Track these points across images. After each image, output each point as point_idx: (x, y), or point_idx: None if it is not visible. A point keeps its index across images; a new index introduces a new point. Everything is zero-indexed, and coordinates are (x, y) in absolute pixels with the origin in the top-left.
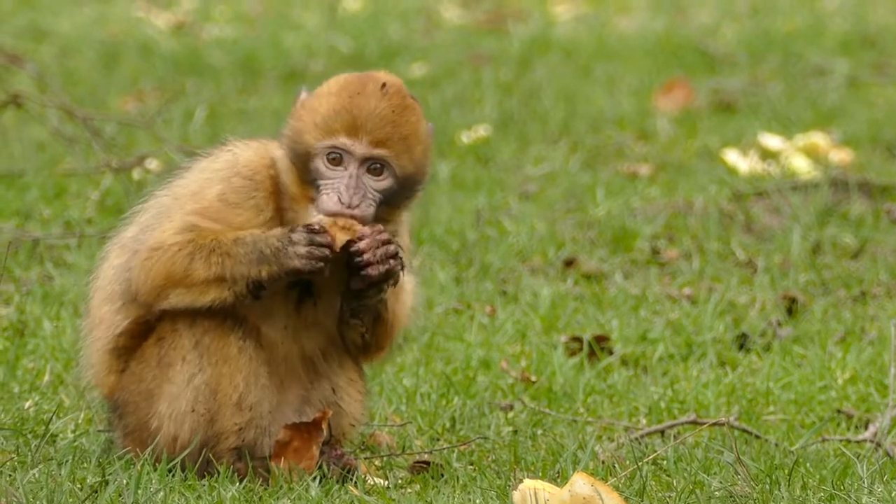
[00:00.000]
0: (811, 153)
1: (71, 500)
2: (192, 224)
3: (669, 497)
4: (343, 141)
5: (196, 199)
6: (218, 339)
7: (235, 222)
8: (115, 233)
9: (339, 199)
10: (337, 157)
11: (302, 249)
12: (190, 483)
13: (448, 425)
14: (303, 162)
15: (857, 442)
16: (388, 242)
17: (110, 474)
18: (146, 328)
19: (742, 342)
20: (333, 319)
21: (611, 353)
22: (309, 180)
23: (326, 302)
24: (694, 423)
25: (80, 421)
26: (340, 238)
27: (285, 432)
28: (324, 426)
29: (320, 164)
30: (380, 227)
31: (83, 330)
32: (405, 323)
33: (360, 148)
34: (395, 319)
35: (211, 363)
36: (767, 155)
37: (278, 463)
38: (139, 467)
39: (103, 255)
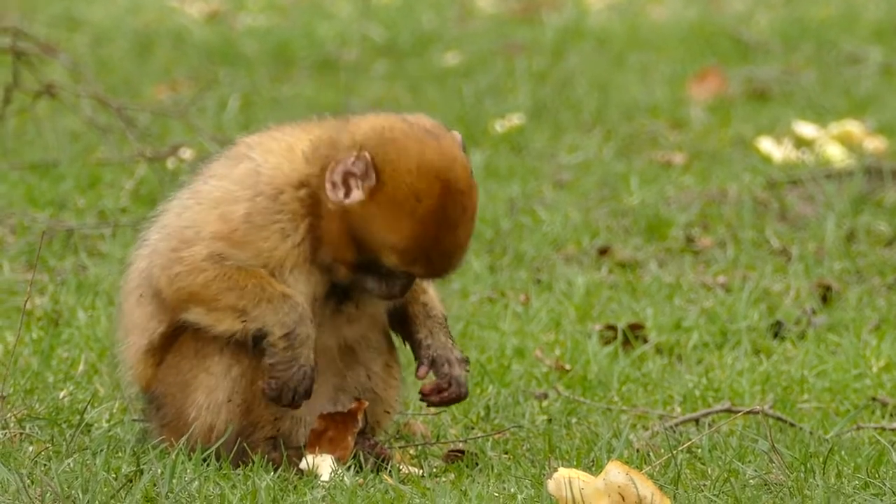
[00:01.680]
0: (845, 141)
1: (106, 489)
2: (222, 253)
3: (704, 485)
4: (418, 270)
5: (223, 219)
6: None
7: (263, 247)
8: (141, 235)
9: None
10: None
11: (291, 385)
12: (225, 472)
13: (482, 414)
14: (359, 249)
15: (892, 430)
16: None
17: (145, 464)
18: (182, 327)
19: (776, 330)
20: (375, 312)
21: (645, 341)
22: (359, 251)
23: (369, 302)
24: (728, 411)
25: (114, 410)
26: None
27: (320, 422)
28: (359, 417)
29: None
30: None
31: (118, 332)
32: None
33: (431, 274)
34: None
35: (248, 354)
36: (801, 143)
37: (312, 452)
38: (174, 456)
39: (132, 259)
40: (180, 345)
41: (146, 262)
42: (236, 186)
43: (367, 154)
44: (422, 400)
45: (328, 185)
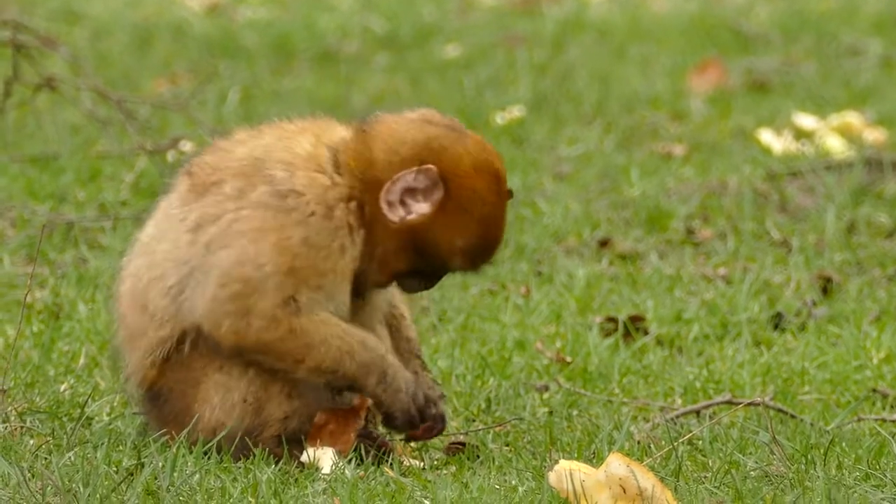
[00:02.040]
0: (845, 133)
1: (107, 482)
2: (293, 294)
3: (705, 477)
4: (476, 266)
5: (279, 250)
6: None
7: (324, 268)
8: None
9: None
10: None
11: (413, 410)
12: (226, 465)
13: (483, 406)
14: (421, 259)
15: (893, 421)
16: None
17: (146, 457)
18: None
19: (777, 322)
20: (378, 301)
21: (646, 333)
22: (418, 260)
23: (374, 298)
24: (729, 403)
25: (115, 404)
26: None
27: (321, 416)
28: (362, 414)
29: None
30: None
31: (119, 333)
32: None
33: (483, 266)
34: None
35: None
36: (801, 135)
37: (313, 445)
38: (175, 450)
39: (132, 271)
40: (192, 341)
41: (174, 277)
42: (275, 210)
43: (433, 167)
44: (406, 439)
45: (384, 205)
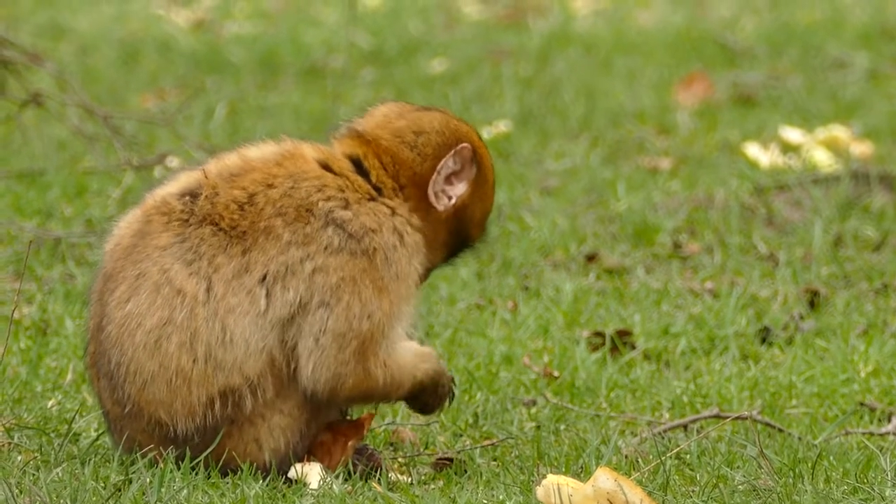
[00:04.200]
0: (832, 146)
1: (94, 498)
2: (392, 333)
3: (693, 491)
4: (484, 236)
5: (379, 292)
6: None
7: (407, 294)
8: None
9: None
10: None
11: (447, 397)
12: (213, 481)
13: (471, 421)
14: (457, 240)
15: (881, 435)
16: None
17: (133, 472)
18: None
19: (764, 336)
20: None
21: (633, 347)
22: (454, 244)
23: None
24: (717, 417)
25: (103, 418)
26: None
27: (326, 433)
28: (366, 428)
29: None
30: None
31: (138, 376)
32: None
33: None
34: None
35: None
36: (788, 148)
37: (307, 461)
38: (163, 465)
39: (200, 285)
40: (254, 388)
41: (256, 307)
42: (358, 255)
43: (467, 146)
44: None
45: (432, 197)
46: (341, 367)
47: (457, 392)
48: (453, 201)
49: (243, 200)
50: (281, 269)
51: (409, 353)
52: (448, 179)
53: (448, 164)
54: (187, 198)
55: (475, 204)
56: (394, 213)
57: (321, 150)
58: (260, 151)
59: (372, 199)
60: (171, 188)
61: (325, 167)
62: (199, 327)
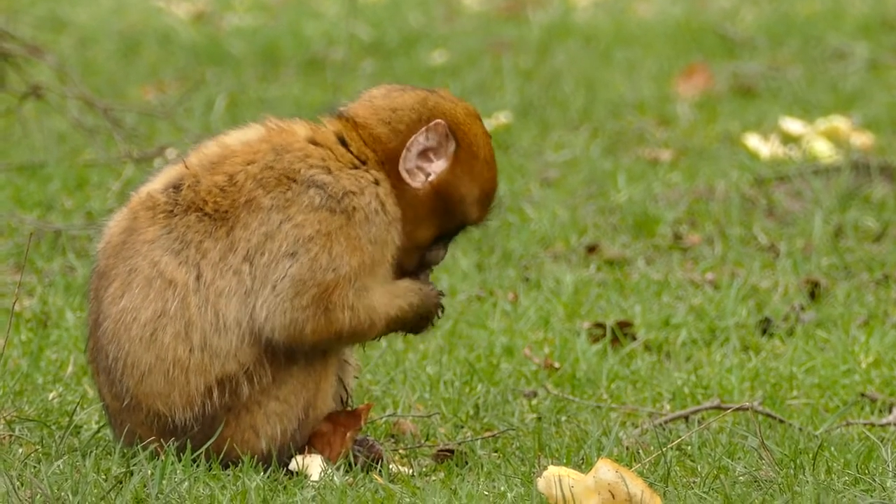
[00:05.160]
0: (832, 137)
1: (96, 490)
2: (365, 283)
3: (694, 482)
4: (488, 215)
5: (352, 250)
6: (321, 358)
7: (381, 259)
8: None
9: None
10: None
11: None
12: (214, 473)
13: (472, 413)
14: (446, 219)
15: (882, 426)
16: None
17: (135, 465)
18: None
19: (765, 327)
20: None
21: (634, 338)
22: (443, 222)
23: None
24: (718, 408)
25: (103, 412)
26: None
27: (325, 424)
28: (364, 419)
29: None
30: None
31: (135, 370)
32: None
33: (490, 216)
34: None
35: (315, 382)
36: (788, 139)
37: (307, 452)
38: (164, 457)
39: (186, 279)
40: (251, 374)
41: (241, 288)
42: (336, 213)
43: (440, 121)
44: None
45: (405, 174)
46: (297, 312)
47: (444, 304)
48: (431, 178)
49: (224, 183)
50: (262, 239)
51: (383, 293)
52: (424, 156)
53: (419, 139)
54: (170, 190)
55: (462, 182)
56: (377, 182)
57: (309, 126)
58: (240, 134)
59: (355, 167)
60: (155, 184)
61: (312, 141)
62: (193, 316)
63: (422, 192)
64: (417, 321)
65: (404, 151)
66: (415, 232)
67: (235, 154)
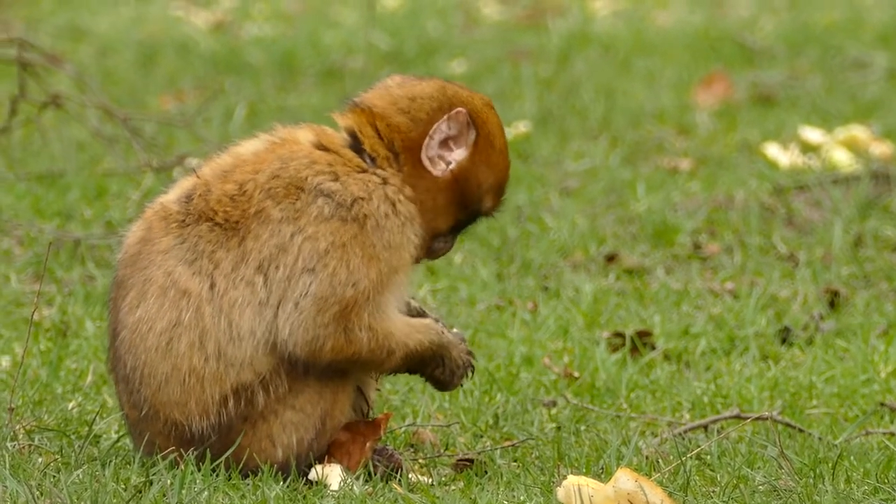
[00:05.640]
0: (851, 146)
1: (115, 500)
2: (382, 300)
3: (713, 492)
4: (501, 204)
5: (368, 261)
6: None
7: (398, 264)
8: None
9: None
10: None
11: (464, 371)
12: (234, 482)
13: (491, 422)
14: (462, 208)
15: None
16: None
17: (154, 474)
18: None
19: (784, 336)
20: None
21: (653, 348)
22: (460, 211)
23: None
24: (737, 417)
25: (123, 421)
26: None
27: (343, 433)
28: (383, 429)
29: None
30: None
31: (152, 379)
32: None
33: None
34: None
35: (333, 391)
36: (808, 148)
37: (326, 462)
38: (184, 467)
39: (202, 288)
40: (266, 383)
41: (254, 298)
42: (347, 222)
43: (462, 110)
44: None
45: (427, 163)
46: (320, 329)
47: (475, 364)
48: (452, 166)
49: (234, 192)
50: (274, 252)
51: (402, 322)
52: (445, 144)
53: (441, 128)
54: (183, 200)
55: (479, 170)
56: (385, 182)
57: (315, 131)
58: (251, 145)
59: (363, 171)
60: (170, 195)
61: (318, 147)
62: (207, 325)
63: (441, 180)
64: (439, 366)
65: (427, 140)
66: (433, 221)
67: (245, 163)
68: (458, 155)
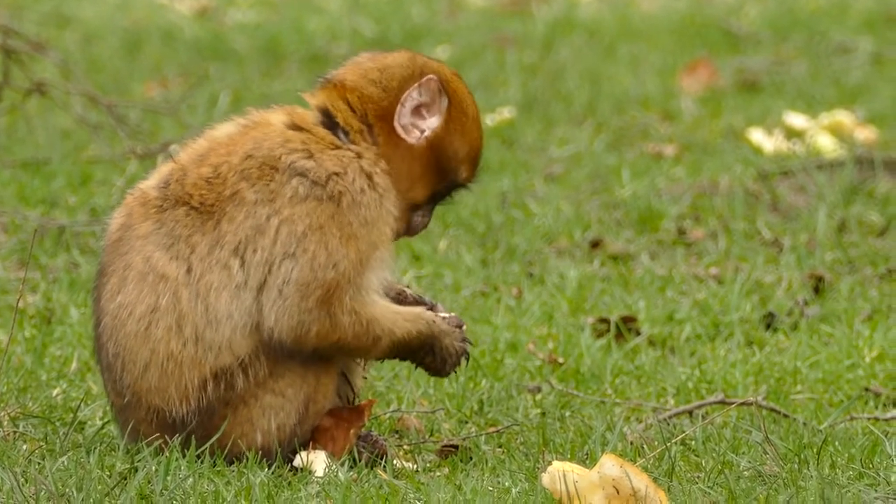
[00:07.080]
0: (836, 131)
1: (100, 487)
2: (365, 281)
3: (698, 477)
4: (476, 175)
5: (347, 239)
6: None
7: (378, 239)
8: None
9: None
10: None
11: (459, 356)
12: (219, 469)
13: (476, 408)
14: (438, 177)
15: (886, 420)
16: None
17: (139, 461)
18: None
19: (769, 321)
20: None
21: (638, 333)
22: (436, 181)
23: None
24: (722, 402)
25: (107, 408)
26: None
27: (327, 419)
28: (367, 415)
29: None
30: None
31: (133, 365)
32: None
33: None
34: None
35: (315, 375)
36: (792, 134)
37: (311, 448)
38: (168, 453)
39: (180, 275)
40: (245, 367)
41: (232, 282)
42: (324, 200)
43: (433, 77)
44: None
45: (400, 130)
46: (304, 314)
47: (469, 350)
48: (427, 133)
49: (209, 175)
50: (250, 234)
51: (388, 310)
52: (417, 112)
53: (413, 94)
54: (161, 185)
55: (454, 138)
56: (359, 156)
57: (287, 112)
58: (225, 128)
59: (336, 147)
60: (150, 181)
61: (291, 126)
62: (184, 310)
63: (416, 149)
64: (429, 353)
65: (398, 107)
66: (410, 192)
67: (220, 146)
68: (431, 122)
